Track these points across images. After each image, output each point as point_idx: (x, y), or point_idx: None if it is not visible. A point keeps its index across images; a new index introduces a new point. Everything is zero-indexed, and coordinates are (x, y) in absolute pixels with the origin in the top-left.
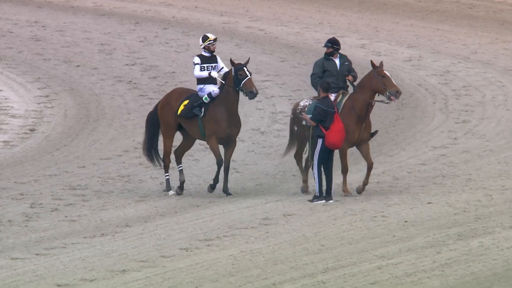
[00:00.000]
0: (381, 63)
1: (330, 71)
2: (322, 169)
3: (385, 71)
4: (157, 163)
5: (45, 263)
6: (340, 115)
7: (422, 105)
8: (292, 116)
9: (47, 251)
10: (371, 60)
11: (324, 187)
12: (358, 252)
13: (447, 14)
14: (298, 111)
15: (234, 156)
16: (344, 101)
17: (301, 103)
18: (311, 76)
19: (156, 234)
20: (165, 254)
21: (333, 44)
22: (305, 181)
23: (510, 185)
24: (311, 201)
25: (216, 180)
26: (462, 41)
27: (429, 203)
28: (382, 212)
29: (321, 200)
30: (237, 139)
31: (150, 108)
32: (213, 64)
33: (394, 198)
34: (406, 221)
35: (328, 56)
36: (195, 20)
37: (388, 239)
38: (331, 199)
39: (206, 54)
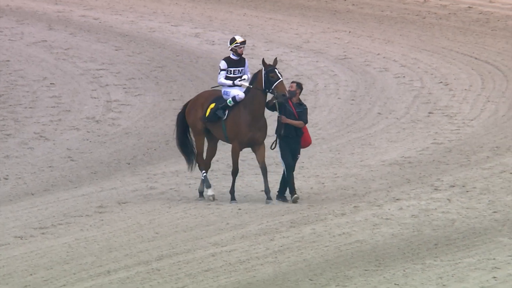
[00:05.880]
0: None
1: None
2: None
3: None
4: (189, 162)
5: None
6: None
7: None
8: None
9: None
10: None
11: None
12: (192, 240)
13: (279, 3)
14: None
15: (69, 144)
16: None
17: None
18: None
19: None
20: (0, 242)
21: None
22: None
23: (341, 173)
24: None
25: (232, 190)
26: (295, 30)
27: (262, 191)
28: (216, 200)
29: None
30: (79, 127)
31: None
32: (239, 68)
33: (227, 186)
34: (240, 209)
35: None
36: (30, 9)
37: (222, 227)
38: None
39: (234, 57)
